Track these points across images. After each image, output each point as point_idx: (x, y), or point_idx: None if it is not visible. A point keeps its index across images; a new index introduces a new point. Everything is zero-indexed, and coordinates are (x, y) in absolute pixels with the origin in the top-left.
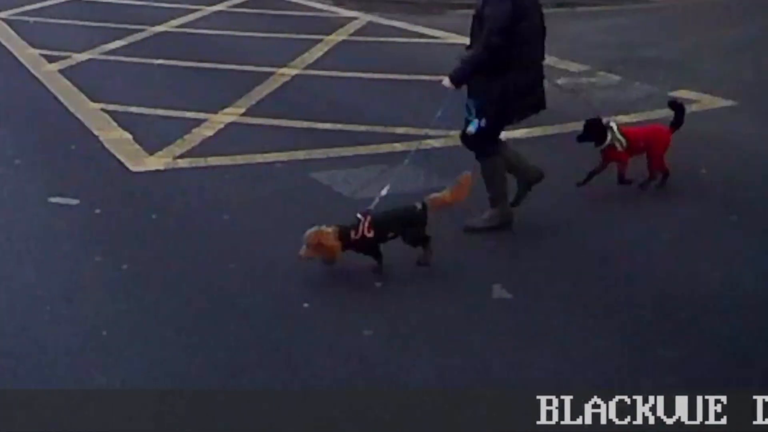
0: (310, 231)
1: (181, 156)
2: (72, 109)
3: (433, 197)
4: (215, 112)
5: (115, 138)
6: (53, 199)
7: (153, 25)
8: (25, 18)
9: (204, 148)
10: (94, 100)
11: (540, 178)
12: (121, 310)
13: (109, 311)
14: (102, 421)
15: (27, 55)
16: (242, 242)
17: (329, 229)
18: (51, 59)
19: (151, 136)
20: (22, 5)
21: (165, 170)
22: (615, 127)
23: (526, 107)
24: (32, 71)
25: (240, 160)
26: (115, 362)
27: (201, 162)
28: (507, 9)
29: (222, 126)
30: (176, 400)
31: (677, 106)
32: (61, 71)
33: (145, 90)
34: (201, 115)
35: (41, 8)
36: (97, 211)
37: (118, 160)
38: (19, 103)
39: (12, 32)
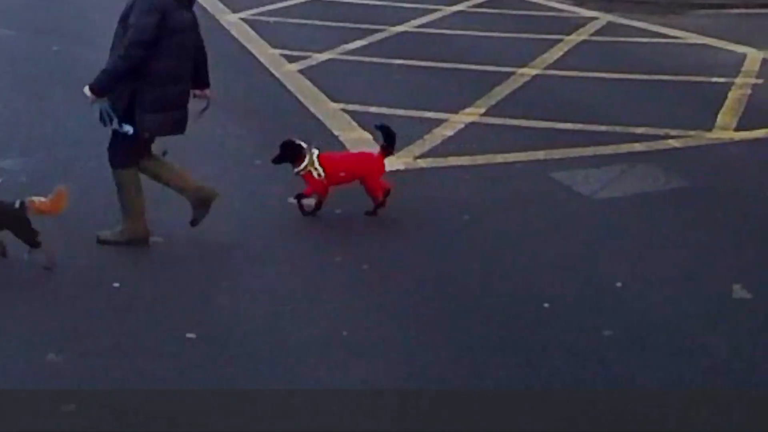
0: None
1: (422, 156)
2: (312, 109)
3: (32, 200)
4: (455, 112)
5: (354, 138)
6: (293, 200)
7: (393, 25)
8: (265, 18)
9: (444, 148)
10: (334, 100)
11: (213, 197)
12: (361, 309)
13: (350, 311)
14: (343, 420)
15: (267, 55)
16: (483, 242)
17: None
18: (291, 59)
19: None
20: (262, 5)
21: (405, 170)
22: (315, 154)
23: (163, 124)
24: (272, 71)
25: (480, 160)
26: (356, 362)
27: (441, 162)
28: (151, 22)
29: (462, 126)
30: (418, 400)
31: (386, 131)
32: (301, 71)
33: (385, 90)
34: (441, 115)
35: (281, 8)
36: (338, 211)
37: None
38: (260, 103)
39: (252, 32)
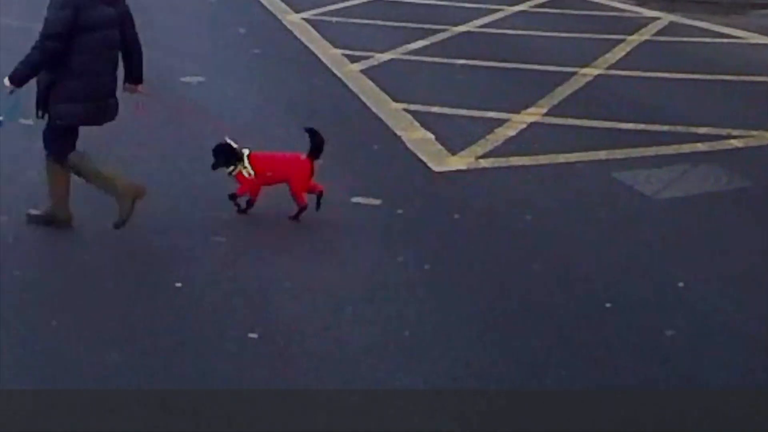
0: None
1: (484, 156)
2: (374, 110)
3: None
4: (517, 112)
5: (417, 138)
6: (356, 200)
7: (455, 25)
8: (328, 18)
9: (506, 148)
10: (396, 100)
11: (58, 220)
12: (423, 310)
13: (412, 311)
14: (404, 421)
15: (330, 55)
16: (545, 243)
17: None
18: (353, 59)
19: (453, 136)
20: (325, 5)
21: (467, 170)
22: (246, 154)
23: (84, 114)
24: (335, 71)
25: (542, 160)
26: (417, 362)
27: (503, 162)
28: (65, 16)
29: (524, 126)
30: (479, 400)
31: (312, 135)
32: (363, 71)
33: (447, 90)
34: (503, 115)
35: (343, 8)
36: (400, 211)
37: (421, 160)
38: (322, 104)
39: (315, 32)
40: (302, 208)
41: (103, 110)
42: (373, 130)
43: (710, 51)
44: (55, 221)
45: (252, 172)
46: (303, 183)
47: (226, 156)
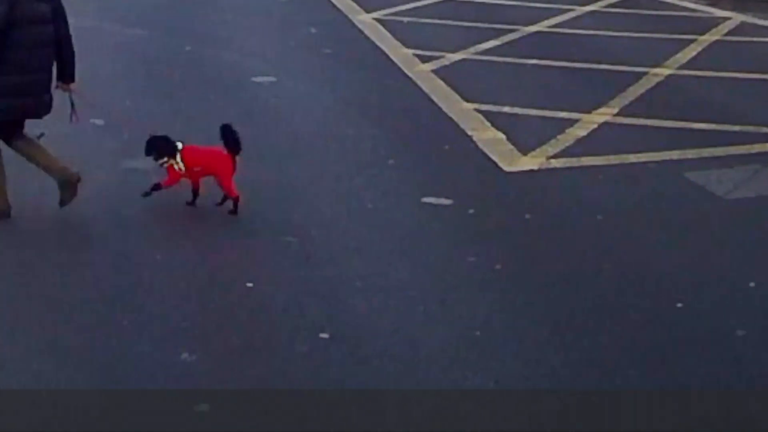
0: None
1: (555, 156)
2: (445, 109)
3: None
4: (588, 112)
5: (488, 138)
6: (426, 199)
7: (526, 25)
8: (399, 18)
9: (577, 148)
10: (467, 100)
11: (77, 180)
12: (494, 310)
13: (483, 311)
14: (476, 421)
15: (400, 54)
16: (616, 242)
17: None
18: (424, 59)
19: (524, 136)
20: (395, 5)
21: (538, 170)
22: (179, 147)
23: (18, 109)
24: (405, 71)
25: (613, 160)
26: (488, 362)
27: (574, 162)
28: (2, 12)
29: (595, 126)
30: (550, 400)
31: (227, 132)
32: (434, 71)
33: (518, 90)
34: (574, 115)
35: (414, 8)
36: (471, 211)
37: (492, 160)
38: (393, 104)
39: (385, 32)
40: (236, 200)
41: (37, 106)
42: (444, 130)
43: None
44: None
45: (182, 167)
46: (229, 176)
47: (159, 148)
